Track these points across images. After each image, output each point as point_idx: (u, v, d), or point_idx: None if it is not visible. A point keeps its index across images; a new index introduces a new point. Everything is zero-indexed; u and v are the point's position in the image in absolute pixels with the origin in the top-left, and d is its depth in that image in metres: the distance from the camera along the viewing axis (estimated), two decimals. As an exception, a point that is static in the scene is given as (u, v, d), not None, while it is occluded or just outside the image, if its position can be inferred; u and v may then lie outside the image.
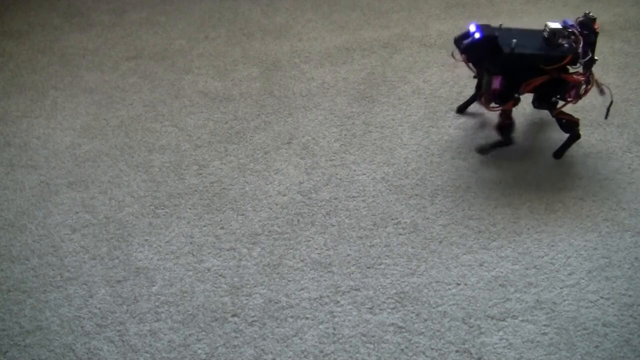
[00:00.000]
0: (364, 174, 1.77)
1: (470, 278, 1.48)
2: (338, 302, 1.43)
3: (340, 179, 1.76)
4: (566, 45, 1.68)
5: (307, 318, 1.40)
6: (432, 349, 1.33)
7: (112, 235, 1.61)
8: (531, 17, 2.51)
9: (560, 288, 1.45)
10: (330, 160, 1.83)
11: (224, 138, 1.92)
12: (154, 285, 1.48)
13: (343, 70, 2.22)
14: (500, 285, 1.46)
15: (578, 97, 1.72)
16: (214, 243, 1.58)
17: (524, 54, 1.66)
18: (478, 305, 1.42)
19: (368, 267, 1.51)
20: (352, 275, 1.49)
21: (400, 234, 1.59)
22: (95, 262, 1.53)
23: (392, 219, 1.63)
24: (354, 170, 1.79)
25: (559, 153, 1.82)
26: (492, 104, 1.76)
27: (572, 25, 1.71)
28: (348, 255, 1.54)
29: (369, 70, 2.21)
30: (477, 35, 1.66)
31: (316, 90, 2.12)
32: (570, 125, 1.78)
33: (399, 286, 1.46)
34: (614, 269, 1.49)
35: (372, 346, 1.34)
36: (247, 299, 1.44)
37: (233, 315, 1.41)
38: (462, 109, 2.01)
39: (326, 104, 2.05)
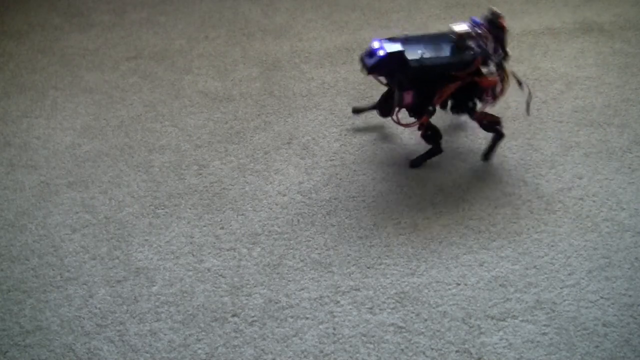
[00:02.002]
0: (364, 174, 1.77)
1: (470, 278, 1.48)
2: (338, 302, 1.43)
3: (340, 179, 1.76)
4: (475, 47, 1.64)
5: (307, 318, 1.40)
6: (432, 349, 1.33)
7: (112, 235, 1.61)
8: (531, 17, 2.51)
9: (560, 288, 1.45)
10: (330, 160, 1.83)
11: (224, 138, 1.92)
12: (154, 285, 1.48)
13: (343, 70, 2.22)
14: (500, 285, 1.46)
15: (495, 97, 1.69)
16: (214, 243, 1.58)
17: (432, 65, 1.61)
18: (478, 305, 1.42)
19: (368, 267, 1.51)
20: (352, 275, 1.49)
21: (400, 234, 1.59)
22: (95, 262, 1.53)
23: (392, 219, 1.63)
24: (354, 170, 1.79)
25: (487, 155, 1.80)
26: (405, 119, 1.73)
27: (479, 24, 1.67)
28: (348, 255, 1.54)
29: (369, 70, 2.20)
30: (380, 53, 1.60)
31: (316, 90, 2.12)
32: (492, 125, 1.76)
33: (399, 286, 1.46)
34: (614, 269, 1.49)
35: (372, 346, 1.34)
36: (247, 299, 1.44)
37: (233, 315, 1.41)
38: (357, 111, 1.95)
39: (326, 104, 2.05)
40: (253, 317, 1.40)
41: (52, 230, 1.62)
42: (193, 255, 1.55)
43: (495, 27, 1.65)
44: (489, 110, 1.77)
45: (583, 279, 1.47)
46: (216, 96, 2.11)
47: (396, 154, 1.85)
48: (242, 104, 2.07)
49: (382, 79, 1.72)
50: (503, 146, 1.86)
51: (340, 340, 1.35)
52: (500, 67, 1.66)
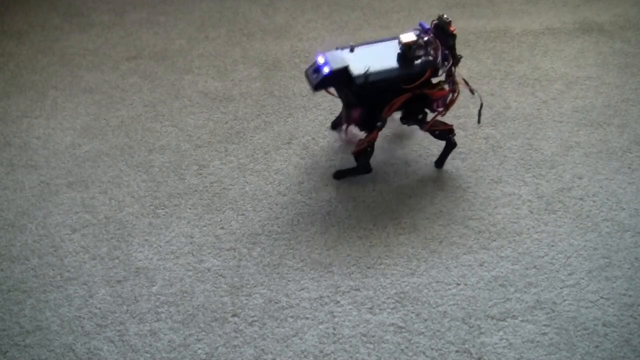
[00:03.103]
0: (363, 174, 1.77)
1: (470, 278, 1.48)
2: (338, 302, 1.43)
3: (340, 179, 1.76)
4: (424, 56, 1.60)
5: (307, 318, 1.40)
6: (432, 349, 1.33)
7: (112, 235, 1.61)
8: (531, 17, 2.51)
9: (560, 288, 1.45)
10: (330, 160, 1.83)
11: (224, 138, 1.92)
12: (154, 285, 1.48)
13: (343, 70, 2.21)
14: (500, 285, 1.46)
15: (446, 107, 1.66)
16: (214, 243, 1.58)
17: (379, 80, 1.55)
18: (478, 305, 1.42)
19: (368, 267, 1.51)
20: (352, 275, 1.49)
21: (400, 234, 1.59)
22: (95, 262, 1.53)
23: (392, 219, 1.63)
24: (354, 170, 1.79)
25: (440, 162, 1.77)
26: (355, 136, 1.70)
27: (428, 30, 1.63)
28: (348, 255, 1.54)
29: (369, 70, 2.20)
30: (325, 70, 1.54)
31: (316, 90, 2.12)
32: (445, 134, 1.72)
33: (399, 286, 1.46)
34: (614, 269, 1.49)
35: (372, 346, 1.34)
36: (247, 299, 1.44)
37: (233, 315, 1.41)
38: (336, 125, 1.91)
39: (326, 104, 2.05)
40: (253, 317, 1.40)
41: (52, 230, 1.62)
42: (193, 255, 1.55)
43: (444, 34, 1.61)
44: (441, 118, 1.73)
45: (583, 279, 1.47)
46: (216, 96, 2.11)
47: (396, 154, 1.84)
48: (242, 104, 2.07)
49: (333, 91, 1.68)
50: (503, 146, 1.86)
51: (340, 340, 1.35)
52: (451, 76, 1.62)
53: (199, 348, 1.34)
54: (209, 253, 1.55)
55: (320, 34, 2.45)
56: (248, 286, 1.47)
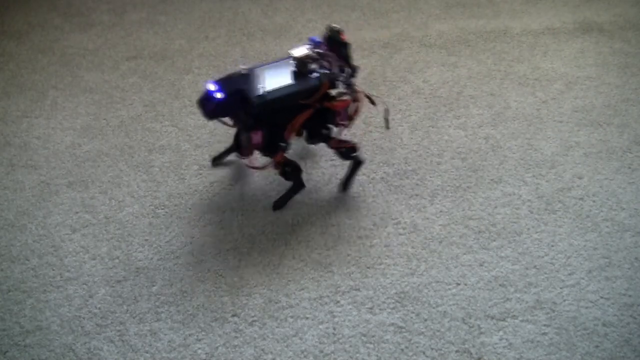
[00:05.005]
0: (363, 174, 1.77)
1: (470, 278, 1.48)
2: (338, 302, 1.43)
3: (340, 179, 1.76)
4: (319, 69, 1.54)
5: (307, 318, 1.40)
6: (432, 349, 1.33)
7: (112, 235, 1.61)
8: (531, 17, 2.51)
9: (560, 288, 1.45)
10: (331, 160, 1.83)
11: (224, 138, 1.92)
12: (154, 285, 1.48)
13: (343, 70, 2.21)
14: (500, 285, 1.46)
15: (350, 119, 1.61)
16: (214, 243, 1.58)
17: (276, 98, 1.48)
18: (478, 305, 1.42)
19: (368, 267, 1.51)
20: (352, 275, 1.49)
21: (400, 234, 1.59)
22: (95, 262, 1.53)
23: (392, 219, 1.63)
24: (354, 170, 1.79)
25: (346, 184, 1.71)
26: (257, 162, 1.63)
27: (319, 43, 1.57)
28: (348, 255, 1.54)
29: (369, 70, 2.20)
30: (218, 96, 1.46)
31: (316, 90, 2.12)
32: (350, 152, 1.67)
33: (399, 286, 1.46)
34: (614, 269, 1.49)
35: (372, 346, 1.34)
36: (247, 299, 1.44)
37: (233, 315, 1.41)
38: (217, 160, 1.81)
39: (326, 104, 2.05)
40: (253, 317, 1.40)
41: (52, 230, 1.62)
42: (193, 255, 1.55)
43: (337, 44, 1.56)
44: (347, 134, 1.70)
45: (583, 279, 1.47)
46: (216, 96, 2.11)
47: (395, 154, 1.85)
48: (242, 104, 2.07)
49: (227, 120, 1.59)
50: (503, 146, 1.86)
51: (340, 340, 1.35)
52: (350, 86, 1.57)
53: (199, 348, 1.34)
54: (209, 253, 1.55)
55: (320, 34, 2.45)
56: (248, 286, 1.47)
